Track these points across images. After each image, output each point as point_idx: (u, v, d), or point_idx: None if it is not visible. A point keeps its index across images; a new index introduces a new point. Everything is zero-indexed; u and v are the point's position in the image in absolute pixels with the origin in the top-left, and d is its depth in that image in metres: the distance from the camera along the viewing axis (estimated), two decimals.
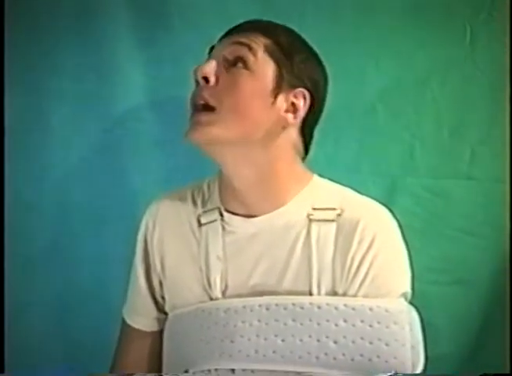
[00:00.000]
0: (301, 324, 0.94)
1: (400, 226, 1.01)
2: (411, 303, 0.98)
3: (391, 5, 1.25)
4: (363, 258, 0.97)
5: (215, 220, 1.03)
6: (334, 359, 0.92)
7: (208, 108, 0.94)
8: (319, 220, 0.99)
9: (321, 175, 1.06)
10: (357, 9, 1.26)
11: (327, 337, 0.93)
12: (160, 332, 1.10)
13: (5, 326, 1.48)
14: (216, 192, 1.06)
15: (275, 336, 0.95)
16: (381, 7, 1.25)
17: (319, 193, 1.02)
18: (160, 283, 1.09)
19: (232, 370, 0.96)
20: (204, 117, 0.93)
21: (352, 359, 0.92)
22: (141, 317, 1.11)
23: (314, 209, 1.00)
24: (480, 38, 1.22)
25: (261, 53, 0.95)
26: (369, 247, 0.97)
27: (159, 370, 1.10)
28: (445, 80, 1.24)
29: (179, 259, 1.06)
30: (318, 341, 0.93)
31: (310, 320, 0.95)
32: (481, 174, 1.23)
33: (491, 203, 1.23)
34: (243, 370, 0.96)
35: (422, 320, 0.97)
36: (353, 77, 1.25)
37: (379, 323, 0.93)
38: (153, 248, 1.08)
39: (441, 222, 1.25)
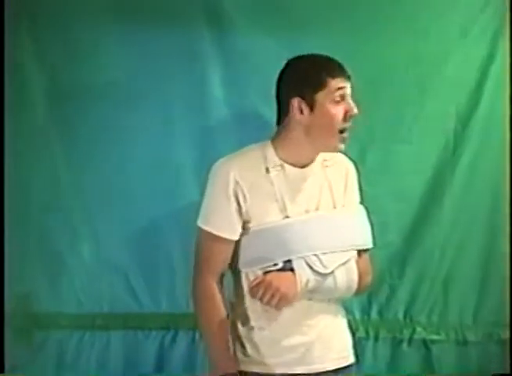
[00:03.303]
0: (338, 225, 1.69)
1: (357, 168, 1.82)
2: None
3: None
4: (352, 188, 1.77)
5: (280, 170, 1.68)
6: (355, 240, 1.71)
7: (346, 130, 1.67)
8: (327, 166, 1.74)
9: None
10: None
11: (350, 229, 1.70)
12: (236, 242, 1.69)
13: (5, 325, 2.03)
14: (272, 152, 1.70)
15: (328, 233, 1.67)
16: None
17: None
18: (246, 212, 1.66)
19: (316, 255, 1.63)
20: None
21: (361, 239, 1.73)
22: (235, 232, 1.68)
23: (322, 160, 1.73)
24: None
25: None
26: (352, 183, 1.78)
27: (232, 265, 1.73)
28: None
29: (260, 195, 1.66)
30: (346, 232, 1.69)
31: (342, 223, 1.70)
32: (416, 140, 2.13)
33: (417, 156, 2.14)
34: (321, 253, 1.64)
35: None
36: None
37: (363, 220, 1.76)
38: (242, 190, 1.65)
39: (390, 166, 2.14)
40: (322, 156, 1.74)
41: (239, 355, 1.70)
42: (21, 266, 2.10)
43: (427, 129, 2.13)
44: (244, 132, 2.03)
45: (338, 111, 1.65)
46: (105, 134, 2.14)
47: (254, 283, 1.66)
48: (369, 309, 2.14)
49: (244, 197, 1.67)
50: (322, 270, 1.64)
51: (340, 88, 1.65)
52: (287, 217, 1.67)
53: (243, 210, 1.67)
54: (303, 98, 1.65)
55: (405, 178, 2.13)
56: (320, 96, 1.64)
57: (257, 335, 1.68)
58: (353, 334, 2.00)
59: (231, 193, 1.66)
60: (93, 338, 2.13)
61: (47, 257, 2.13)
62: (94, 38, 2.12)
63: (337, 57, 1.99)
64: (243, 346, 1.70)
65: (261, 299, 1.64)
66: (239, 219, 1.68)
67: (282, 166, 1.69)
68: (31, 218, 2.13)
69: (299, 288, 1.62)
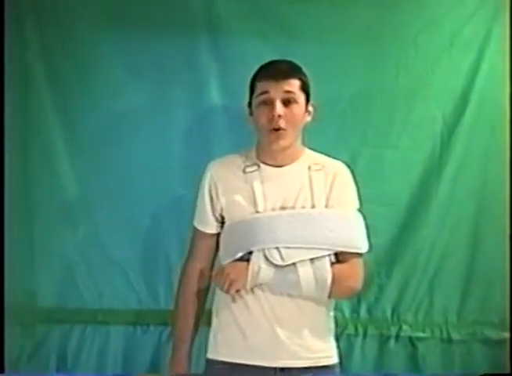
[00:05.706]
0: (312, 223, 1.70)
1: (353, 174, 1.85)
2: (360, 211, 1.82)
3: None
4: (339, 191, 1.77)
5: (256, 169, 1.78)
6: (330, 240, 1.69)
7: (281, 129, 1.72)
8: (314, 170, 1.78)
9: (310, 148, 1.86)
10: None
11: (326, 229, 1.70)
12: (217, 235, 1.83)
13: (5, 326, 2.03)
14: (254, 154, 1.82)
15: (298, 229, 1.69)
16: None
17: (312, 156, 1.82)
18: (221, 209, 1.79)
19: (277, 248, 1.68)
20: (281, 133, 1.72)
21: (340, 240, 1.71)
22: (209, 226, 1.83)
23: (311, 164, 1.79)
24: None
25: (298, 92, 1.75)
26: (342, 186, 1.78)
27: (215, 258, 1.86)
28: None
29: (234, 193, 1.77)
30: (321, 231, 1.70)
31: (316, 221, 1.71)
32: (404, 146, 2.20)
33: (406, 161, 2.21)
34: (283, 246, 1.67)
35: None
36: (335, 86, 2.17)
37: (348, 222, 1.75)
38: (216, 189, 1.79)
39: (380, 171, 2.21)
40: (311, 159, 1.81)
41: (211, 341, 1.79)
42: (24, 263, 2.17)
43: (415, 135, 2.21)
44: (240, 136, 2.10)
45: (262, 113, 1.74)
46: (107, 136, 2.22)
47: (214, 272, 1.76)
48: (359, 307, 2.21)
49: (217, 194, 1.80)
50: (278, 262, 1.67)
51: (264, 92, 1.73)
52: (258, 212, 1.74)
53: (218, 206, 1.81)
54: (248, 102, 1.82)
55: (393, 182, 2.20)
56: (253, 100, 1.78)
57: (222, 325, 1.77)
58: (343, 330, 2.13)
59: (206, 190, 1.82)
60: (94, 333, 2.19)
61: (50, 254, 2.20)
62: (93, 43, 2.21)
63: (330, 64, 2.15)
64: (213, 335, 1.79)
65: (219, 286, 1.74)
66: (212, 214, 1.82)
67: (258, 166, 1.80)
68: (34, 215, 2.20)
69: (250, 276, 1.68)
